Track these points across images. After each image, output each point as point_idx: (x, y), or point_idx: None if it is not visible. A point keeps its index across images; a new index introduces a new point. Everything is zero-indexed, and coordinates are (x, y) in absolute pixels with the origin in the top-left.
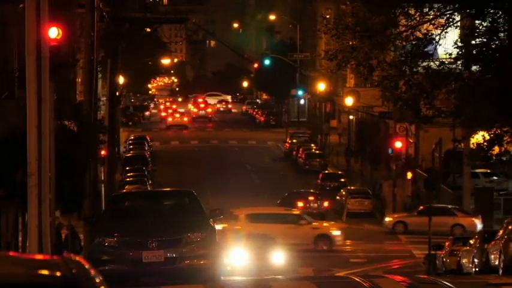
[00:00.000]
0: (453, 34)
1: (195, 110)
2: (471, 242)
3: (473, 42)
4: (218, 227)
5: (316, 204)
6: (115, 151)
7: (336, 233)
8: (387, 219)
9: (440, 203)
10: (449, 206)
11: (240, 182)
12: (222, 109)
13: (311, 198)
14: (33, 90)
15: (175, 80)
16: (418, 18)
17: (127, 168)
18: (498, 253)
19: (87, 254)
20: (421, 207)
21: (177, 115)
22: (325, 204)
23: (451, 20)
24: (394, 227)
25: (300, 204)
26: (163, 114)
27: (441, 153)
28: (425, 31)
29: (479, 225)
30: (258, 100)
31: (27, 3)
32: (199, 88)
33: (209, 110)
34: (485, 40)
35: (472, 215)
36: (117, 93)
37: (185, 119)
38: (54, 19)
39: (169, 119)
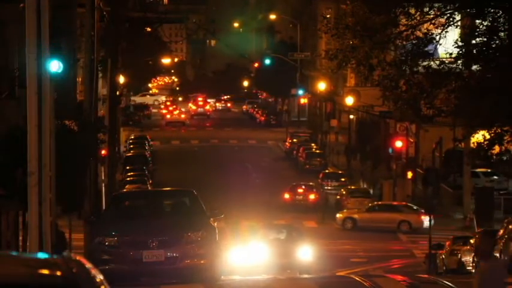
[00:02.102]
0: (453, 33)
1: (194, 107)
2: (471, 241)
3: (473, 41)
4: None
5: (301, 197)
6: (115, 150)
7: None
8: (338, 215)
9: (440, 203)
10: (402, 203)
11: (240, 182)
12: (220, 108)
13: (300, 190)
14: (33, 89)
15: (176, 80)
16: (418, 18)
17: (127, 167)
18: (498, 252)
19: (87, 254)
20: (370, 204)
21: (176, 112)
22: (311, 197)
23: (451, 19)
24: (343, 223)
25: (287, 195)
26: (163, 111)
27: (441, 153)
28: (426, 30)
29: (426, 222)
30: (260, 97)
31: (27, 2)
32: (200, 88)
33: (207, 107)
34: (485, 39)
35: (419, 212)
36: (118, 93)
37: (183, 116)
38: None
39: (168, 116)
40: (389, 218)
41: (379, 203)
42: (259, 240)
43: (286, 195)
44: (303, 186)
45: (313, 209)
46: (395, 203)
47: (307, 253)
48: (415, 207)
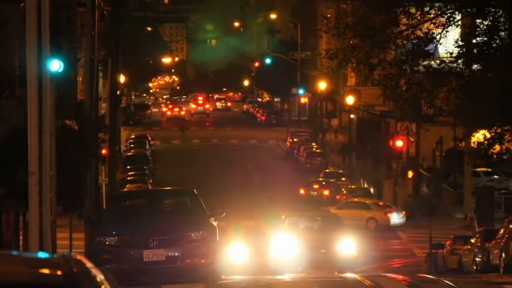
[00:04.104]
0: (454, 33)
1: (194, 106)
2: (472, 241)
3: (474, 41)
4: None
5: (316, 192)
6: (116, 150)
7: None
8: None
9: (441, 202)
10: (375, 201)
11: (241, 181)
12: (220, 107)
13: (315, 186)
14: (34, 89)
15: (176, 79)
16: (418, 17)
17: (128, 167)
18: (499, 252)
19: (88, 253)
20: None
21: (176, 109)
22: (326, 192)
23: (451, 19)
24: None
25: (302, 191)
26: (164, 109)
27: (442, 152)
28: (426, 30)
29: (393, 219)
30: (259, 99)
31: (28, 2)
32: (200, 87)
33: (207, 106)
34: (485, 39)
35: (386, 210)
36: (118, 92)
37: (182, 112)
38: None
39: (168, 112)
40: (359, 215)
41: (355, 200)
42: (285, 231)
43: (302, 191)
44: (319, 183)
45: (326, 204)
46: (368, 200)
47: (348, 246)
48: (385, 205)
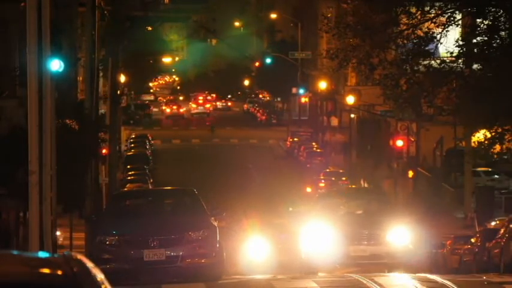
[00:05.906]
0: (454, 33)
1: (194, 105)
2: (472, 240)
3: (474, 40)
4: None
5: (323, 190)
6: (116, 149)
7: None
8: (290, 209)
9: (441, 202)
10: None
11: (241, 181)
12: (220, 107)
13: (321, 184)
14: (34, 88)
15: (176, 79)
16: (419, 17)
17: (128, 166)
18: (499, 251)
19: (88, 253)
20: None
21: (175, 107)
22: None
23: (452, 18)
24: None
25: (309, 189)
26: (164, 107)
27: (442, 152)
28: (427, 30)
29: None
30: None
31: (28, 2)
32: (201, 87)
33: (207, 105)
34: (486, 39)
35: None
36: (118, 92)
37: (181, 110)
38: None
39: (168, 110)
40: None
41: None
42: (317, 217)
43: (308, 189)
44: (324, 180)
45: None
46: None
47: (402, 236)
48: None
